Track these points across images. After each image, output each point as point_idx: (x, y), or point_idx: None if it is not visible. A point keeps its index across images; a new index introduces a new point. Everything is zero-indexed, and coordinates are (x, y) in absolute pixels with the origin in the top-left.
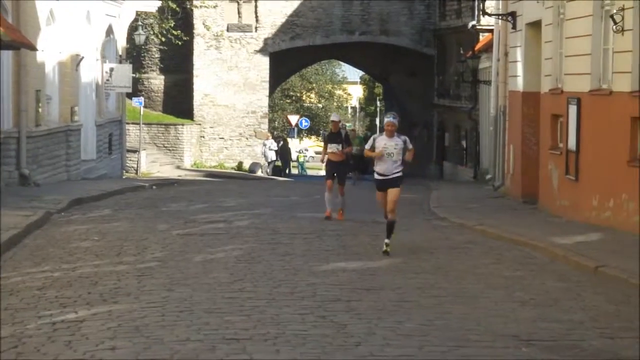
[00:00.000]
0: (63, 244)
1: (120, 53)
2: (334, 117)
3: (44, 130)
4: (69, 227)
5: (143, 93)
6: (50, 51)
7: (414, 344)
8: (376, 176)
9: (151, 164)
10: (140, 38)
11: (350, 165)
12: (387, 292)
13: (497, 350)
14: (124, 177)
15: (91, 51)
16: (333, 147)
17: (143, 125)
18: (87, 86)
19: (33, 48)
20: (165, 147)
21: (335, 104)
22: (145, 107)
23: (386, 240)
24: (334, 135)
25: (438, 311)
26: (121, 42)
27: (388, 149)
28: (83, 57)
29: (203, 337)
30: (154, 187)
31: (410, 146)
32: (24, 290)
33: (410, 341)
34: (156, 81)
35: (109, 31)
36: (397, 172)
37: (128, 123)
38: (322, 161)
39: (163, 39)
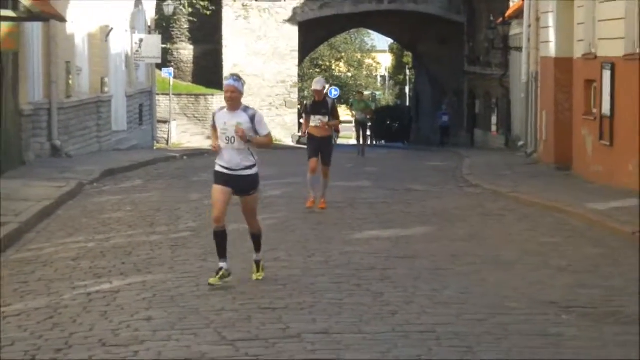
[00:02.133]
0: (96, 215)
1: (149, 24)
2: (317, 83)
3: (75, 102)
4: (102, 197)
5: (172, 64)
6: (79, 22)
7: (451, 312)
8: (218, 168)
9: (182, 134)
10: (169, 8)
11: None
12: (422, 260)
13: (536, 318)
14: (154, 147)
15: (120, 22)
16: (316, 120)
17: (173, 96)
18: (116, 57)
19: (62, 19)
20: (196, 117)
21: (364, 72)
22: (175, 77)
23: (255, 257)
24: (318, 105)
25: (474, 279)
26: (150, 13)
27: (227, 130)
28: (112, 28)
29: (238, 307)
30: (184, 157)
31: (262, 128)
32: (58, 261)
33: (447, 309)
34: (185, 52)
35: (138, 2)
36: (249, 167)
37: (158, 94)
38: (302, 135)
39: (191, 10)
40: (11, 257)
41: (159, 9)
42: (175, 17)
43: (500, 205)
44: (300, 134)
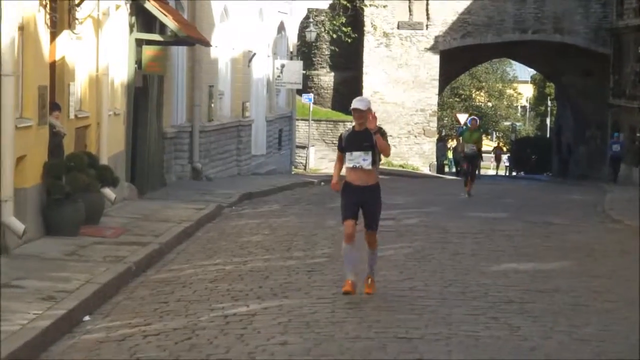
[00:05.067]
0: (234, 238)
1: (291, 50)
2: (357, 103)
3: (216, 125)
4: (240, 220)
5: (313, 90)
6: (223, 47)
7: (591, 350)
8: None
9: (319, 160)
10: (311, 35)
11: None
12: (562, 295)
13: None
14: (292, 172)
15: (263, 47)
16: (356, 159)
17: (312, 122)
18: (258, 82)
19: (207, 44)
20: (334, 143)
21: (505, 102)
22: (314, 103)
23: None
24: (357, 138)
25: (616, 317)
26: (292, 39)
27: (354, 158)
28: (255, 54)
29: (374, 335)
30: (322, 183)
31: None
32: (196, 283)
33: (587, 346)
34: (326, 78)
35: (281, 28)
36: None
37: (297, 119)
38: (334, 185)
39: (334, 36)
40: (152, 277)
41: (301, 35)
42: (317, 44)
43: None
44: (335, 187)
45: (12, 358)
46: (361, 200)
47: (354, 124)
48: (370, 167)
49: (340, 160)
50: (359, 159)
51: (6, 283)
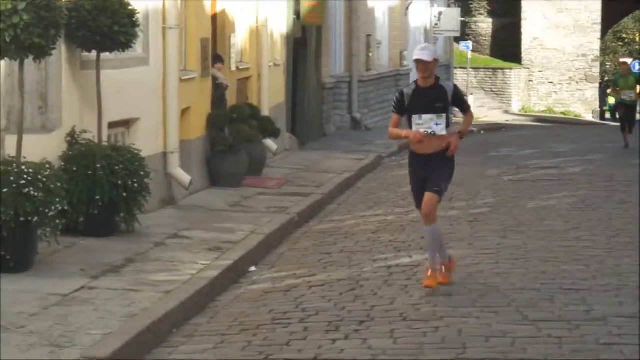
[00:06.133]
0: (394, 188)
1: None
2: (420, 52)
3: (374, 75)
4: (400, 171)
5: (471, 37)
6: None
7: None
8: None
9: (478, 108)
10: None
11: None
12: None
13: None
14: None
15: None
16: (426, 124)
17: (470, 70)
18: (415, 30)
19: None
20: (493, 91)
21: None
22: (472, 51)
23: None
24: (424, 96)
25: None
26: None
27: (424, 123)
28: (412, 2)
29: (540, 286)
30: (482, 131)
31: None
32: (358, 234)
33: None
34: (484, 25)
35: None
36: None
37: (456, 67)
38: (399, 146)
39: None
40: (314, 228)
41: None
42: None
43: None
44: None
45: (184, 306)
46: (428, 172)
47: (417, 78)
48: (444, 132)
49: (396, 124)
50: (431, 123)
51: (174, 233)
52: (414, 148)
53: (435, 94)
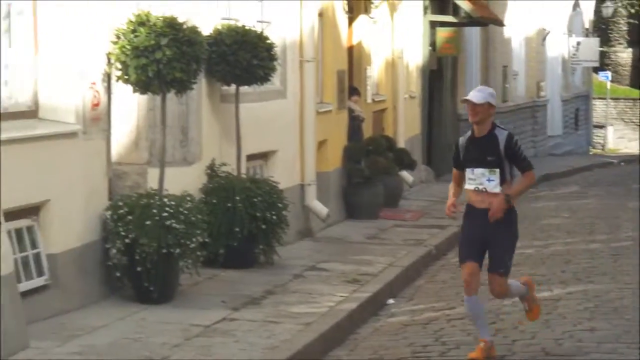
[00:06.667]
0: (533, 220)
1: (586, 26)
2: (471, 93)
3: (511, 106)
4: (538, 203)
5: (610, 67)
6: (516, 26)
7: None
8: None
9: (618, 139)
10: (607, 10)
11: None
12: None
13: None
14: (590, 153)
15: (558, 25)
16: (478, 179)
17: (610, 100)
18: (553, 60)
19: (501, 24)
20: (633, 122)
21: None
22: (612, 81)
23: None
24: (477, 147)
25: None
26: (588, 15)
27: (476, 178)
28: (549, 32)
29: None
30: (622, 163)
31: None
32: None
33: None
34: (623, 54)
35: (575, 4)
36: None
37: (594, 98)
38: (449, 209)
39: (632, 11)
40: (452, 260)
41: (597, 11)
42: (614, 19)
43: None
44: (449, 212)
45: (324, 338)
46: (486, 233)
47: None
48: (497, 189)
49: (458, 179)
50: (482, 179)
51: (312, 265)
52: (472, 201)
53: (488, 144)
